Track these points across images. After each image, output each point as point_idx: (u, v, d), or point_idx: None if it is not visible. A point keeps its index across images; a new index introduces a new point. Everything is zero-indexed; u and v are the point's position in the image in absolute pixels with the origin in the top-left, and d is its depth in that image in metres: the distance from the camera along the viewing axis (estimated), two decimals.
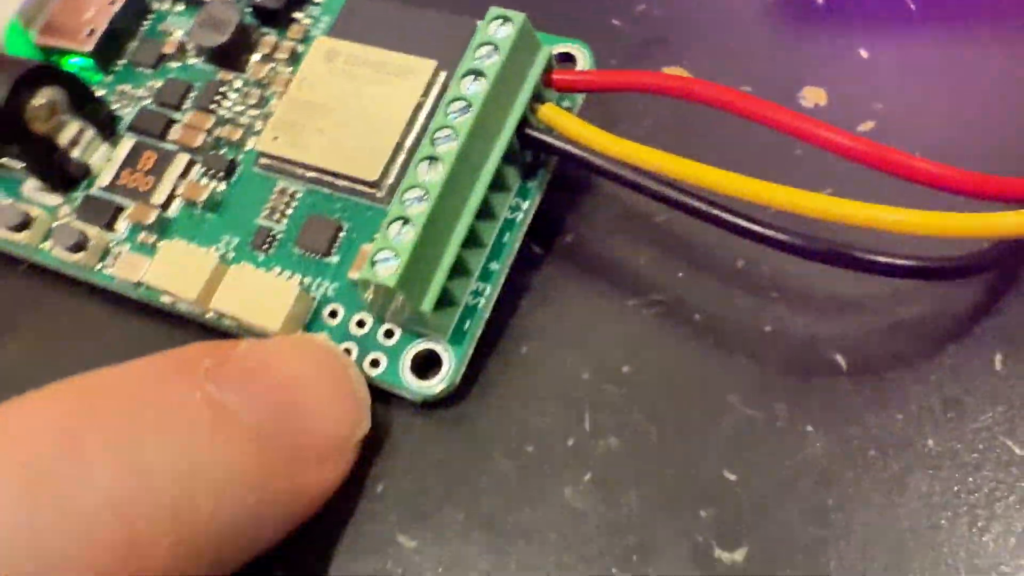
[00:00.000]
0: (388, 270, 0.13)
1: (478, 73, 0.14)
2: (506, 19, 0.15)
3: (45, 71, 0.16)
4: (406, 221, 0.14)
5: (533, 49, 0.15)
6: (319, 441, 0.13)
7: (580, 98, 0.16)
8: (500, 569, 0.14)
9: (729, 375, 0.15)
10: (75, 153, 0.17)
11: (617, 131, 0.15)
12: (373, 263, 0.13)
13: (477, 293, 0.15)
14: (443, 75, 0.16)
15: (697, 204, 0.14)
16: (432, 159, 0.14)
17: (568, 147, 0.15)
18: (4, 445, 0.12)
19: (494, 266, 0.15)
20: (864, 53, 0.17)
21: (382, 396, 0.15)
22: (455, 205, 0.14)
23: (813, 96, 0.17)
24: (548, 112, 0.15)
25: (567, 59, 0.16)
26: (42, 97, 0.16)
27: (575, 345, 0.15)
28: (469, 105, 0.14)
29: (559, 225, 0.16)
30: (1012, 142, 0.16)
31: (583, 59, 0.16)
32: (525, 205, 0.15)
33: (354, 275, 0.15)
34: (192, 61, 0.18)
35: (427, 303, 0.14)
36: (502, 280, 0.15)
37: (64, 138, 0.17)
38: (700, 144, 0.15)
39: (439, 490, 0.14)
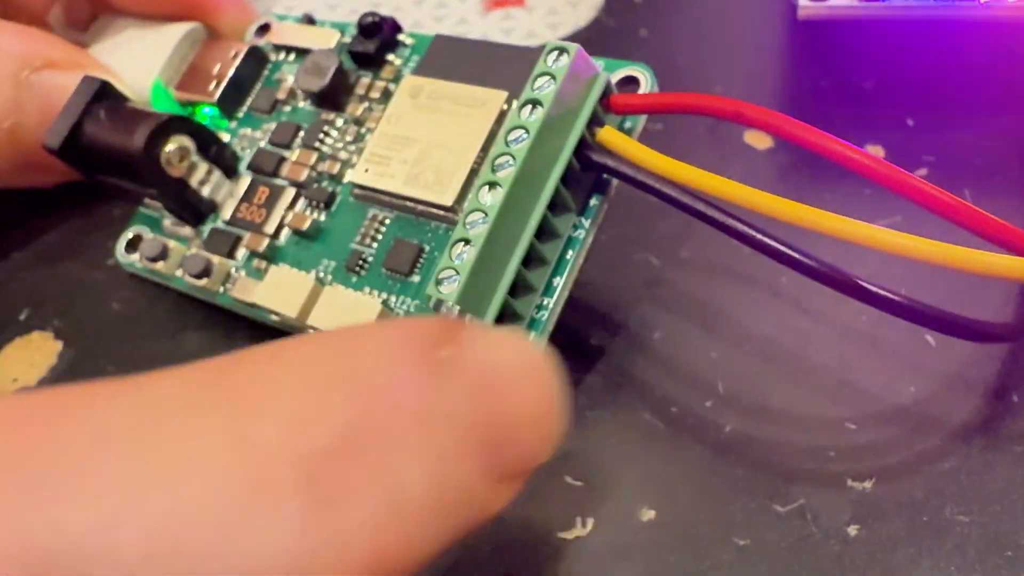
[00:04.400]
0: (450, 287, 0.15)
1: (535, 103, 0.15)
2: (562, 51, 0.16)
3: (175, 122, 0.19)
4: (468, 242, 0.15)
5: (591, 76, 0.16)
6: (517, 461, 0.12)
7: (641, 121, 0.17)
8: None
9: None
10: (205, 191, 0.20)
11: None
12: (438, 282, 0.15)
13: (541, 307, 0.16)
14: (515, 103, 0.17)
15: (742, 229, 0.15)
16: (492, 184, 0.15)
17: (624, 168, 0.16)
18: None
19: (556, 281, 0.16)
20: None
21: None
22: (515, 226, 0.15)
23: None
24: (606, 134, 0.16)
25: (632, 82, 0.17)
26: (173, 144, 0.19)
27: None
28: (527, 132, 0.15)
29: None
30: None
31: (646, 82, 0.17)
32: (586, 223, 0.16)
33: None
34: (301, 104, 0.20)
35: (488, 317, 0.15)
36: (565, 294, 0.16)
37: (195, 179, 0.19)
38: None
39: None
